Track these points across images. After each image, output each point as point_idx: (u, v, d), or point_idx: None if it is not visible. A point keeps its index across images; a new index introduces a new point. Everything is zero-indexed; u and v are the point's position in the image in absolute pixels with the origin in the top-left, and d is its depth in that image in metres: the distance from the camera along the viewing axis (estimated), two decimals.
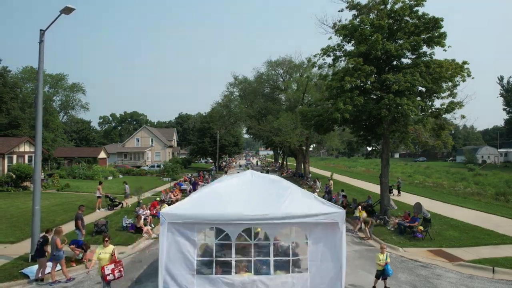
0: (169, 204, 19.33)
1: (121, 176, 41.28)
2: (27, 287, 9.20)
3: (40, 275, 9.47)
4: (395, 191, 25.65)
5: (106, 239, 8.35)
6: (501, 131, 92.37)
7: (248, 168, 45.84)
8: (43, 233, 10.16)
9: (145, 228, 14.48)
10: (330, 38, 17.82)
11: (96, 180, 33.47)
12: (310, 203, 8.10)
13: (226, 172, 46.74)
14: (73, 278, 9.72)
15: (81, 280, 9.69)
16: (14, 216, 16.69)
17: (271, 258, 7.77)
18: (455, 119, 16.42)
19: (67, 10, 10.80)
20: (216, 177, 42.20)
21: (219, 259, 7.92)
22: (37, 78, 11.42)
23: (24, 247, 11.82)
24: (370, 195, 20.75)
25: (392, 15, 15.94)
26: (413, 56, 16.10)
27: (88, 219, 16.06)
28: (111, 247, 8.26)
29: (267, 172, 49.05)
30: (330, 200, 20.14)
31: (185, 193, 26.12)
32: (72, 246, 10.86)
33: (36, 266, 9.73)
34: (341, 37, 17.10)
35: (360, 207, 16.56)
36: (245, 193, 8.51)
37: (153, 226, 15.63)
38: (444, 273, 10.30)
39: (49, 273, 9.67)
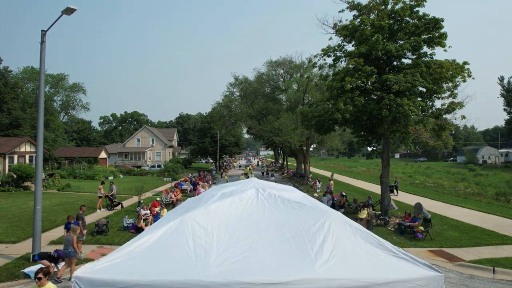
0: (167, 206, 19.35)
1: (121, 176, 41.35)
2: (28, 287, 9.23)
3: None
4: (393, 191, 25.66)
5: (40, 275, 5.31)
6: (501, 131, 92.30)
7: (250, 171, 44.77)
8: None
9: (146, 228, 14.50)
10: (330, 38, 17.86)
11: (96, 180, 33.56)
12: (369, 253, 4.56)
13: (222, 175, 45.55)
14: None
15: None
16: (15, 216, 16.73)
17: None
18: (455, 119, 16.45)
19: (69, 11, 10.81)
20: (216, 177, 42.31)
21: None
22: (39, 78, 11.45)
23: (26, 247, 11.86)
24: (370, 195, 20.76)
25: (393, 15, 15.97)
26: (414, 57, 16.12)
27: (89, 219, 16.10)
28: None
29: (267, 172, 48.82)
30: (333, 200, 20.06)
31: (185, 193, 26.23)
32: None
33: (38, 266, 9.76)
34: (341, 38, 17.11)
35: (367, 208, 15.96)
36: (246, 231, 4.78)
37: None
38: (444, 273, 10.27)
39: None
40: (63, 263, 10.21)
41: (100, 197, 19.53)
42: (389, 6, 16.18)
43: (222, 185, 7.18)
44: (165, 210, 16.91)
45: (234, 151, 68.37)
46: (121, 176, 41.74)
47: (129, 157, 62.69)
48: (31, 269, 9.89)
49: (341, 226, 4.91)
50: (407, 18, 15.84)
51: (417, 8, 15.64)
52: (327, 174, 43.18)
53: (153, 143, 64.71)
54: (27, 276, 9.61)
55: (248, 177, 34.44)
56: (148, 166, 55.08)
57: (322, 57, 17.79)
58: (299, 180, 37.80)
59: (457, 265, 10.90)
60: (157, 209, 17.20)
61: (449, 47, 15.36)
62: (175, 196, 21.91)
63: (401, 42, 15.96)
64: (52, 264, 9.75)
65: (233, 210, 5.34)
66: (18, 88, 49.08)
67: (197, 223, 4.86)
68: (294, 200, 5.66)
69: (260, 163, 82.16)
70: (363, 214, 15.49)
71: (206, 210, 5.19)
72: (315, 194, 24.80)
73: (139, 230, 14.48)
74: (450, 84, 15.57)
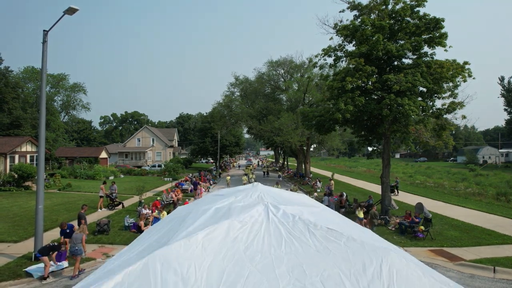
0: (168, 206, 19.33)
1: (122, 176, 41.39)
2: (31, 286, 9.26)
3: (45, 274, 9.57)
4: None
5: None
6: (502, 131, 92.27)
7: (250, 171, 44.28)
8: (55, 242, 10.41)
9: (144, 229, 14.50)
10: (331, 38, 17.96)
11: (97, 180, 33.62)
12: None
13: (220, 175, 45.46)
14: (77, 276, 9.82)
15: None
16: (17, 216, 16.78)
17: None
18: (456, 119, 16.47)
19: (71, 11, 10.85)
20: (216, 177, 42.35)
21: None
22: (41, 77, 11.49)
23: (27, 246, 11.91)
24: (371, 195, 20.78)
25: (393, 15, 16.01)
26: (414, 57, 16.16)
27: (90, 218, 16.13)
28: None
29: (267, 172, 48.70)
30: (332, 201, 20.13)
31: (186, 193, 26.30)
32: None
33: (40, 265, 9.82)
34: (342, 38, 17.16)
35: (364, 208, 16.03)
36: (252, 280, 2.81)
37: None
38: (445, 272, 10.33)
39: (53, 271, 9.78)
40: (65, 262, 10.28)
41: (101, 196, 19.58)
42: (390, 6, 16.21)
43: (217, 194, 5.55)
44: (165, 213, 15.76)
45: (234, 151, 68.32)
46: (122, 176, 41.78)
47: (129, 157, 62.73)
48: (33, 268, 9.95)
49: (409, 273, 2.90)
50: (408, 18, 15.87)
51: (417, 8, 15.68)
52: (328, 174, 43.18)
53: (153, 143, 64.75)
54: (29, 275, 9.66)
55: (249, 177, 34.47)
56: (148, 166, 55.09)
57: (323, 57, 17.84)
58: (300, 180, 37.83)
59: (457, 264, 10.93)
60: (155, 214, 16.23)
61: (449, 47, 15.39)
62: (175, 196, 21.95)
63: (402, 42, 15.99)
64: (55, 253, 9.85)
65: (231, 242, 3.35)
66: (19, 88, 49.10)
67: (172, 269, 2.85)
68: (324, 225, 3.57)
69: (260, 163, 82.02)
70: (360, 213, 15.57)
71: (189, 244, 3.16)
72: (315, 194, 24.86)
73: (140, 229, 14.53)
74: (451, 84, 15.59)
